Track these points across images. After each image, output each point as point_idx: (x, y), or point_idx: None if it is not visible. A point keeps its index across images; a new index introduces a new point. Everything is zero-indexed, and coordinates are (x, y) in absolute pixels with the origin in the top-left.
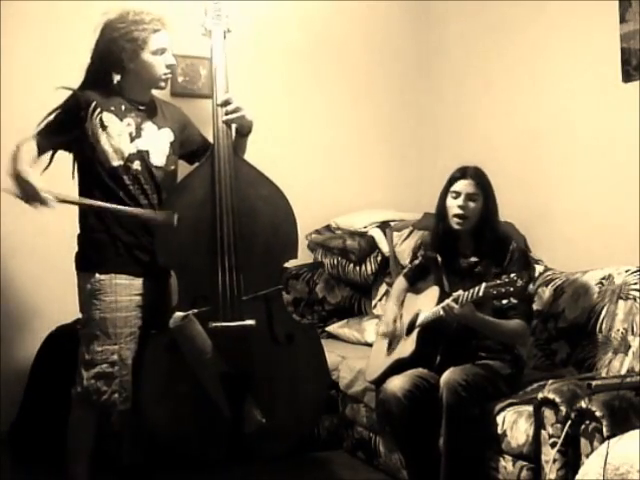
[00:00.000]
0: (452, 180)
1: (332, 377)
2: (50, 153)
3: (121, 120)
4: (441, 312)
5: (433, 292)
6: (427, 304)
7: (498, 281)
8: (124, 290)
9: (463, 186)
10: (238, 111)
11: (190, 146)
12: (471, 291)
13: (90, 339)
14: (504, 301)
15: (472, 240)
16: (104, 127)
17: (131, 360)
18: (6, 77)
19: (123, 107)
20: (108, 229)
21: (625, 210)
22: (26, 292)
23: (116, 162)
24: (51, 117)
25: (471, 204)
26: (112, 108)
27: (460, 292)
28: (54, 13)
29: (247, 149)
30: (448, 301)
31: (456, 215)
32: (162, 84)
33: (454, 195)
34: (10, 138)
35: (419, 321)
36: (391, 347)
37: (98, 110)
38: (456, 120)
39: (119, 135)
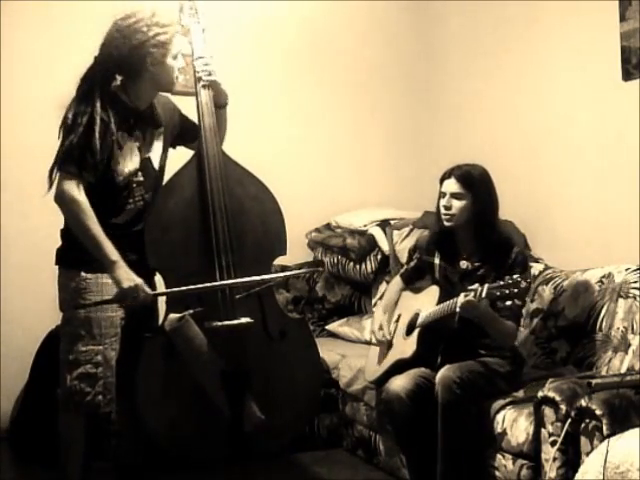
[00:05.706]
0: (440, 181)
1: (332, 375)
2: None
3: (130, 135)
4: (457, 308)
5: (433, 291)
6: (427, 304)
7: (501, 282)
8: (110, 290)
9: (446, 186)
10: (214, 74)
11: (181, 134)
12: (473, 292)
13: (73, 339)
14: (507, 302)
15: (472, 242)
16: (120, 147)
17: (115, 361)
18: (6, 77)
19: (132, 120)
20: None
21: (625, 209)
22: (26, 292)
23: (126, 179)
24: (75, 144)
25: (455, 202)
26: (123, 125)
27: (476, 286)
28: (54, 13)
29: (246, 148)
30: (469, 297)
31: (442, 214)
32: (174, 87)
33: (442, 195)
34: (10, 137)
35: (420, 321)
36: (383, 353)
37: (115, 130)
38: (456, 119)
39: (131, 152)
